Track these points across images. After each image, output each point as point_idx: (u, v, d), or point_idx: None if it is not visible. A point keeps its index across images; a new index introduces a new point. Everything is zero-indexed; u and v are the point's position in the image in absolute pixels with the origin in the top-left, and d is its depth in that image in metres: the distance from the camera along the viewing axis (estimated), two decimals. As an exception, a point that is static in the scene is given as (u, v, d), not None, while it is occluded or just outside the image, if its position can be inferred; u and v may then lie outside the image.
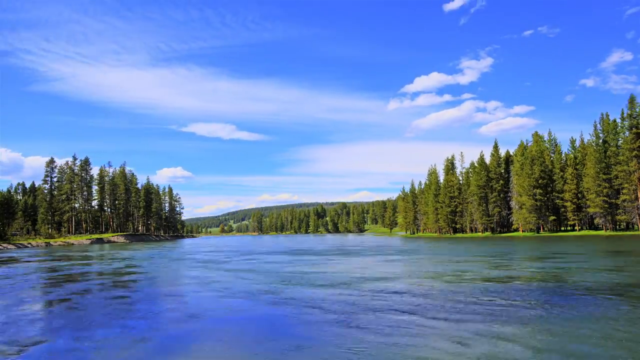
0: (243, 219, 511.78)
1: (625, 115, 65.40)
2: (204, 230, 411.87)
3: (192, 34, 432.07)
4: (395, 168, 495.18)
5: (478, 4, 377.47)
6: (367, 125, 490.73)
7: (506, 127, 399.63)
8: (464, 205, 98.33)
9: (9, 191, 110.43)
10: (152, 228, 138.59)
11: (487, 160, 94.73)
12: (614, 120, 68.43)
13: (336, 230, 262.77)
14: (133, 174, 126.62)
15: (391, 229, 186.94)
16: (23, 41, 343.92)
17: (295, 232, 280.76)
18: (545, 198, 79.12)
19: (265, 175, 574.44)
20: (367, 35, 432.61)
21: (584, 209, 74.35)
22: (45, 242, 72.53)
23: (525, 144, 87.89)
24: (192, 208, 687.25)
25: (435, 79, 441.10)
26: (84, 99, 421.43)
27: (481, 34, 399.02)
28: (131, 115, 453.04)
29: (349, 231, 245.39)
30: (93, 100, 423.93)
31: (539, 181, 78.53)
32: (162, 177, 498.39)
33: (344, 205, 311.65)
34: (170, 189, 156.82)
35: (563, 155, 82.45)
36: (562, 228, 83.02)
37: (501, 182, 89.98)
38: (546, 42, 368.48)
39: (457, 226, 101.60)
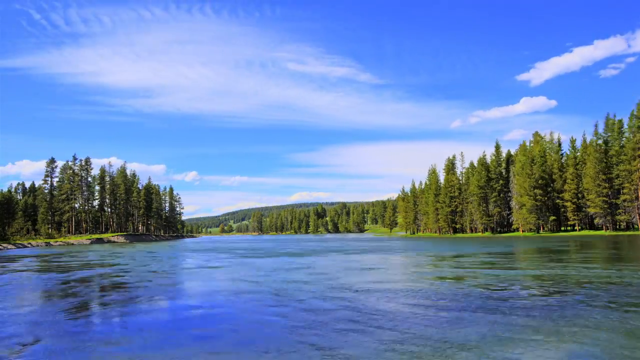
0: (243, 219, 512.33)
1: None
2: (203, 230, 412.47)
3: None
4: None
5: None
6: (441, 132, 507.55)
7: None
8: (464, 205, 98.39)
9: (9, 191, 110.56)
10: (152, 228, 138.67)
11: (488, 160, 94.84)
12: (620, 120, 68.23)
13: (336, 230, 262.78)
14: (134, 173, 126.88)
15: (391, 229, 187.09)
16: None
17: (295, 232, 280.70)
18: (546, 198, 79.17)
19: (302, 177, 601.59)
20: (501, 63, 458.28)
21: (584, 209, 74.38)
22: (45, 242, 72.53)
23: (528, 144, 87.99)
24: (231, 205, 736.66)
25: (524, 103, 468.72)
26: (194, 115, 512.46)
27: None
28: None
29: (349, 231, 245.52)
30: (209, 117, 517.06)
31: (539, 181, 78.61)
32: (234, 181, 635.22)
33: (344, 205, 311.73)
34: (171, 189, 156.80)
35: (564, 155, 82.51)
36: (562, 228, 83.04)
37: (501, 182, 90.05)
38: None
39: (457, 226, 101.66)
